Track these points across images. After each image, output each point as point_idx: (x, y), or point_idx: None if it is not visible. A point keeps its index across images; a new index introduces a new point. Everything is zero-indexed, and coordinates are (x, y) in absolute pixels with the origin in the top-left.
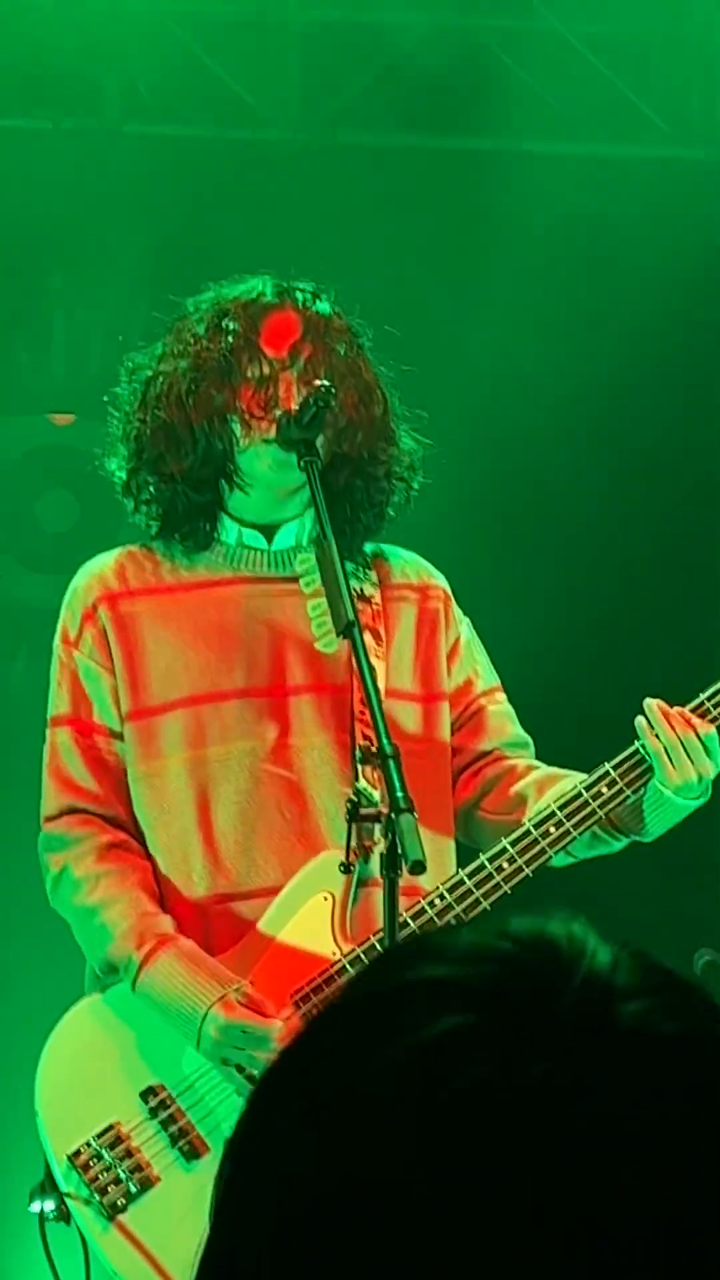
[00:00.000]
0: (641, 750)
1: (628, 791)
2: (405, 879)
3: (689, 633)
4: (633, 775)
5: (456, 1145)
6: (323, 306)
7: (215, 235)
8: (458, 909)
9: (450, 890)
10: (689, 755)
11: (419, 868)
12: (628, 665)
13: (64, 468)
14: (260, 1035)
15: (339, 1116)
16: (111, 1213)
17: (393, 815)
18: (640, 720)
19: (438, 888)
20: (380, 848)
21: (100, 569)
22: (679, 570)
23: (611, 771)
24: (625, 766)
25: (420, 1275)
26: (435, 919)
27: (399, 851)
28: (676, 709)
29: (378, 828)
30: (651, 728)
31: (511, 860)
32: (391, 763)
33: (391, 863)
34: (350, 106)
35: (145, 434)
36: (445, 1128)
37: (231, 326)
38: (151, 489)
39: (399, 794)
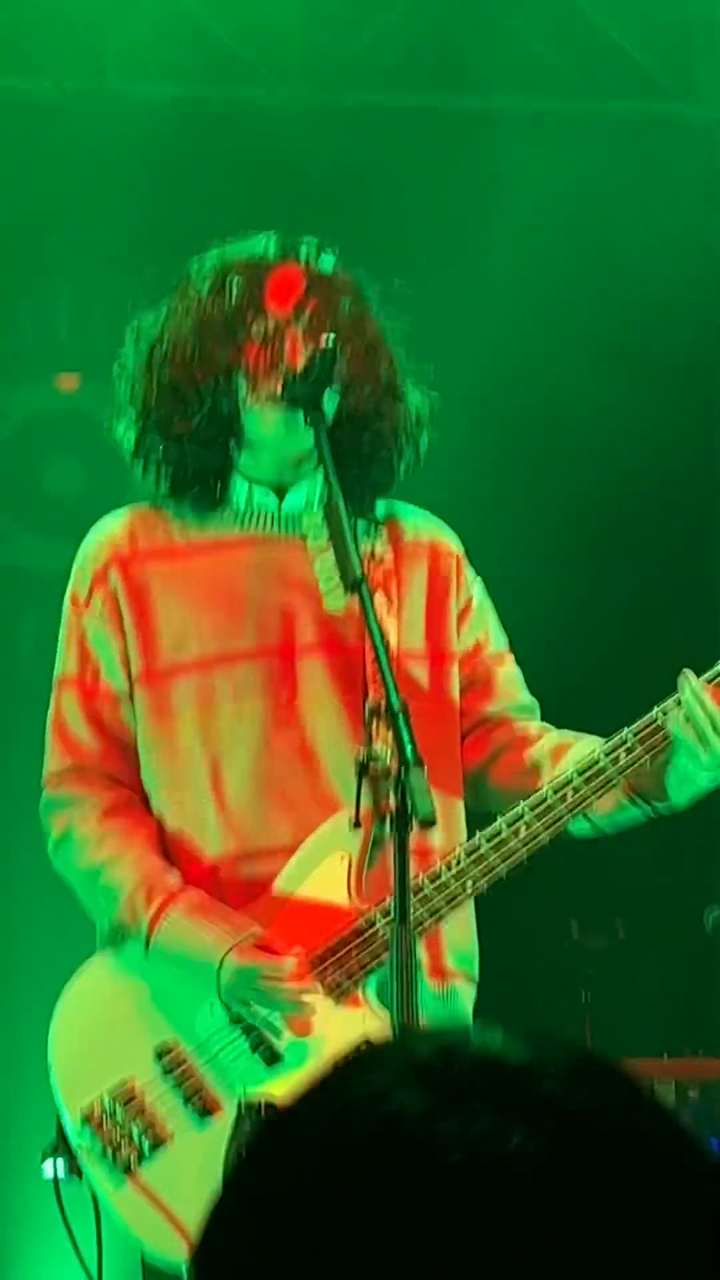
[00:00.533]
0: (661, 720)
1: (645, 758)
2: (420, 839)
3: (699, 598)
4: (651, 740)
5: (392, 1165)
6: (327, 262)
7: (217, 196)
8: (473, 872)
9: (468, 854)
10: (716, 731)
11: (429, 822)
12: (639, 629)
13: (69, 433)
14: (274, 974)
15: (290, 1186)
16: (125, 1169)
17: (402, 771)
18: (675, 702)
19: (455, 852)
20: (392, 805)
21: (111, 531)
22: (685, 536)
23: (630, 737)
24: (644, 733)
25: None
26: (451, 882)
27: (409, 807)
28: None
29: (388, 784)
30: (695, 701)
31: (529, 825)
32: (401, 718)
33: (401, 818)
34: (352, 66)
35: (151, 395)
36: (379, 1151)
37: (235, 284)
38: (160, 450)
39: (408, 749)
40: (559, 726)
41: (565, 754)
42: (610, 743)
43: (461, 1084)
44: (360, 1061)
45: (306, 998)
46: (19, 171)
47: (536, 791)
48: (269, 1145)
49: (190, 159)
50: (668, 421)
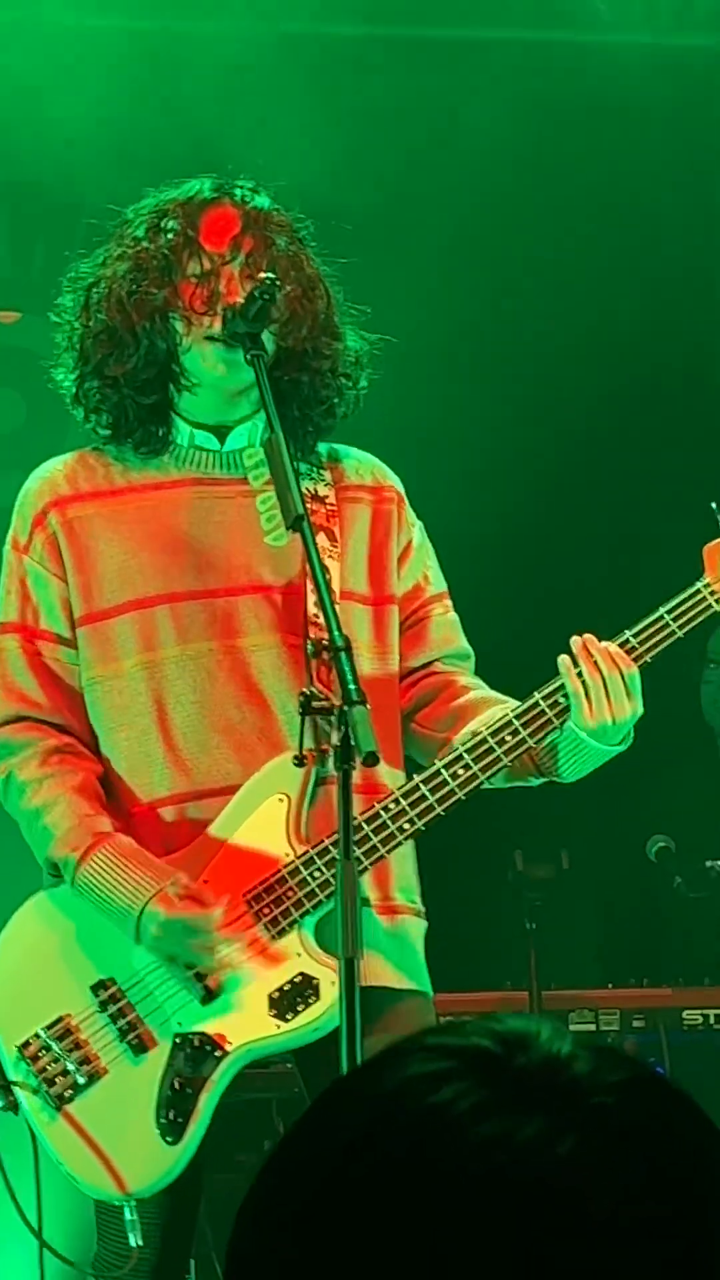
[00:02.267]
0: (542, 699)
1: (556, 723)
2: (369, 777)
3: (654, 546)
4: (561, 706)
5: (431, 1158)
6: (262, 200)
7: (167, 129)
8: (411, 814)
9: (405, 795)
10: (608, 695)
11: (372, 759)
12: (585, 580)
13: (9, 367)
14: (201, 926)
15: (333, 1158)
16: (58, 1103)
17: (345, 707)
18: (563, 658)
19: (392, 793)
20: (334, 741)
21: (50, 474)
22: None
23: (541, 702)
24: (555, 698)
25: None
26: (389, 823)
27: (352, 743)
28: (604, 644)
29: (331, 722)
30: (575, 666)
31: (467, 767)
32: (343, 655)
33: (345, 755)
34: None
35: (89, 339)
36: (420, 1140)
37: (170, 225)
38: (98, 395)
39: (351, 686)
40: (503, 678)
41: (481, 711)
42: (522, 706)
43: (518, 1082)
44: (428, 1040)
45: (237, 943)
46: None
47: (449, 745)
48: (324, 1108)
49: (139, 91)
50: (655, 355)
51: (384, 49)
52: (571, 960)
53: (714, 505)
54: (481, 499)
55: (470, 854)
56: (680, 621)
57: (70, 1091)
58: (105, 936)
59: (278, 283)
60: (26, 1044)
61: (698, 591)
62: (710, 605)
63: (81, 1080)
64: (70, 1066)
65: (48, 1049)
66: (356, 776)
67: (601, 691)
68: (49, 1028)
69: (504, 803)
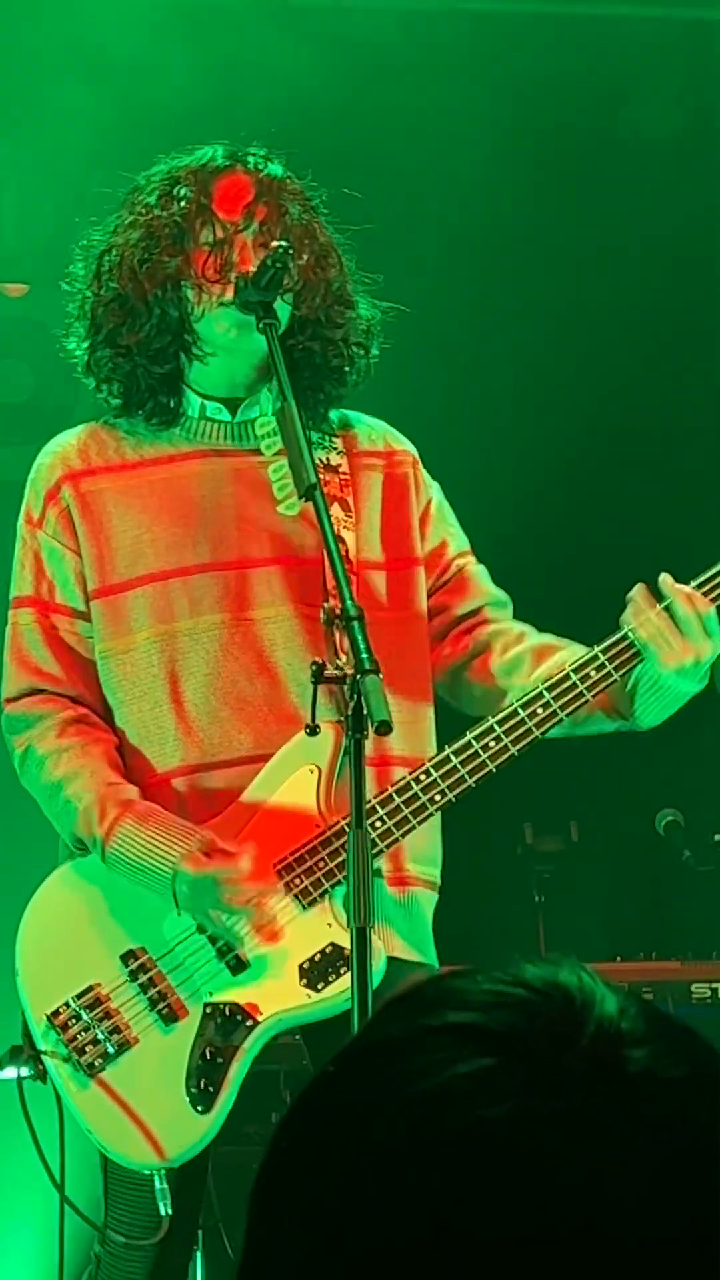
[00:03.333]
0: (631, 635)
1: (615, 676)
2: (382, 747)
3: (683, 511)
4: (621, 659)
5: (480, 1178)
6: (275, 169)
7: (175, 100)
8: (443, 785)
9: (436, 767)
10: (684, 633)
11: (384, 728)
12: (611, 534)
13: (17, 338)
14: (229, 876)
15: (368, 1154)
16: (89, 1072)
17: (357, 676)
18: (630, 609)
19: (423, 764)
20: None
21: (63, 447)
22: (675, 444)
23: (600, 655)
24: (614, 650)
25: None
26: (420, 794)
27: (364, 712)
28: (681, 585)
29: (345, 691)
30: (639, 615)
31: (498, 739)
32: (355, 624)
33: (357, 723)
34: None
35: (100, 308)
36: (471, 1161)
37: (183, 193)
38: (109, 364)
39: (364, 655)
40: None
41: (546, 659)
42: (581, 659)
43: (570, 1089)
44: (456, 1024)
45: (269, 899)
46: None
47: (514, 692)
48: (338, 1104)
49: (146, 60)
50: (661, 330)
51: (396, 20)
52: (580, 932)
53: None
54: (493, 477)
55: (480, 826)
56: (712, 595)
57: (100, 1060)
58: (134, 905)
59: (290, 251)
60: (56, 1013)
61: None
62: None
63: (112, 1049)
64: (100, 1035)
65: (78, 1018)
66: (370, 749)
67: (673, 633)
68: (79, 997)
69: (514, 775)
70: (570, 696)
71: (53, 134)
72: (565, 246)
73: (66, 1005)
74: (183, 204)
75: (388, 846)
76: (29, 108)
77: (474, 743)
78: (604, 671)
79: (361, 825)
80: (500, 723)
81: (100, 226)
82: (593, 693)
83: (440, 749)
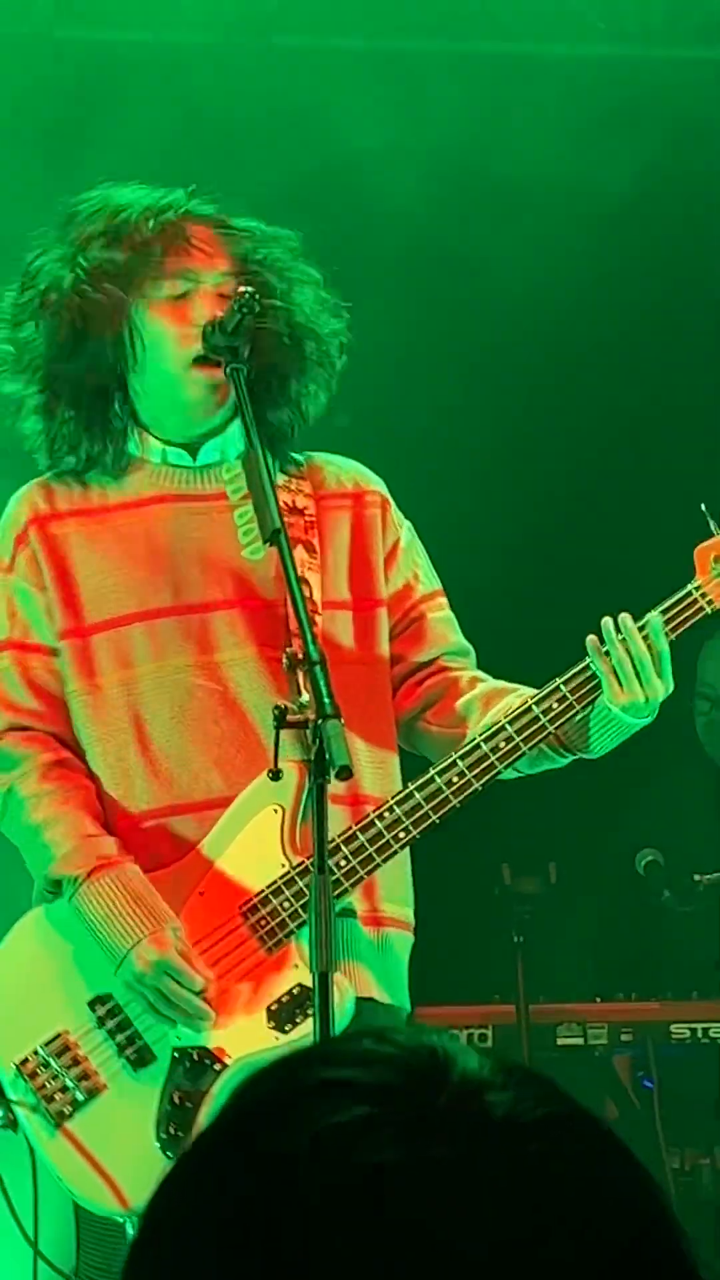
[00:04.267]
0: (593, 667)
1: (578, 708)
2: (354, 790)
3: (647, 546)
4: (583, 691)
5: (360, 1218)
6: (225, 210)
7: (149, 141)
8: (406, 822)
9: (400, 803)
10: (638, 674)
11: (345, 773)
12: (583, 576)
13: None
14: (186, 983)
15: (252, 1189)
16: (58, 1120)
17: (319, 721)
18: (591, 638)
19: (387, 801)
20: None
21: (29, 493)
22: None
23: (563, 688)
24: (576, 682)
25: None
26: (384, 831)
27: (325, 757)
28: (631, 623)
29: (307, 734)
30: (603, 645)
31: (461, 775)
32: (318, 669)
33: (319, 768)
34: (284, 7)
35: (48, 358)
36: (353, 1201)
37: (140, 241)
38: (56, 416)
39: (325, 699)
40: (501, 677)
41: (496, 702)
42: (542, 692)
43: (442, 1132)
44: (333, 1079)
45: (233, 956)
46: None
47: (466, 739)
48: (228, 1158)
49: (124, 102)
50: (655, 347)
51: (381, 62)
52: (559, 974)
53: (703, 507)
54: (482, 501)
55: (458, 866)
56: (672, 625)
57: (69, 1108)
58: (103, 953)
59: (255, 295)
60: (25, 1061)
61: (689, 594)
62: (702, 607)
63: (81, 1096)
64: (69, 1083)
65: (46, 1065)
66: (342, 788)
67: (630, 670)
68: (47, 1044)
69: (492, 815)
70: (533, 730)
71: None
72: (556, 287)
73: (35, 1053)
74: (142, 253)
75: (353, 885)
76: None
77: (437, 778)
78: (566, 703)
79: (324, 870)
80: (463, 757)
81: (37, 261)
82: (555, 725)
83: (404, 786)
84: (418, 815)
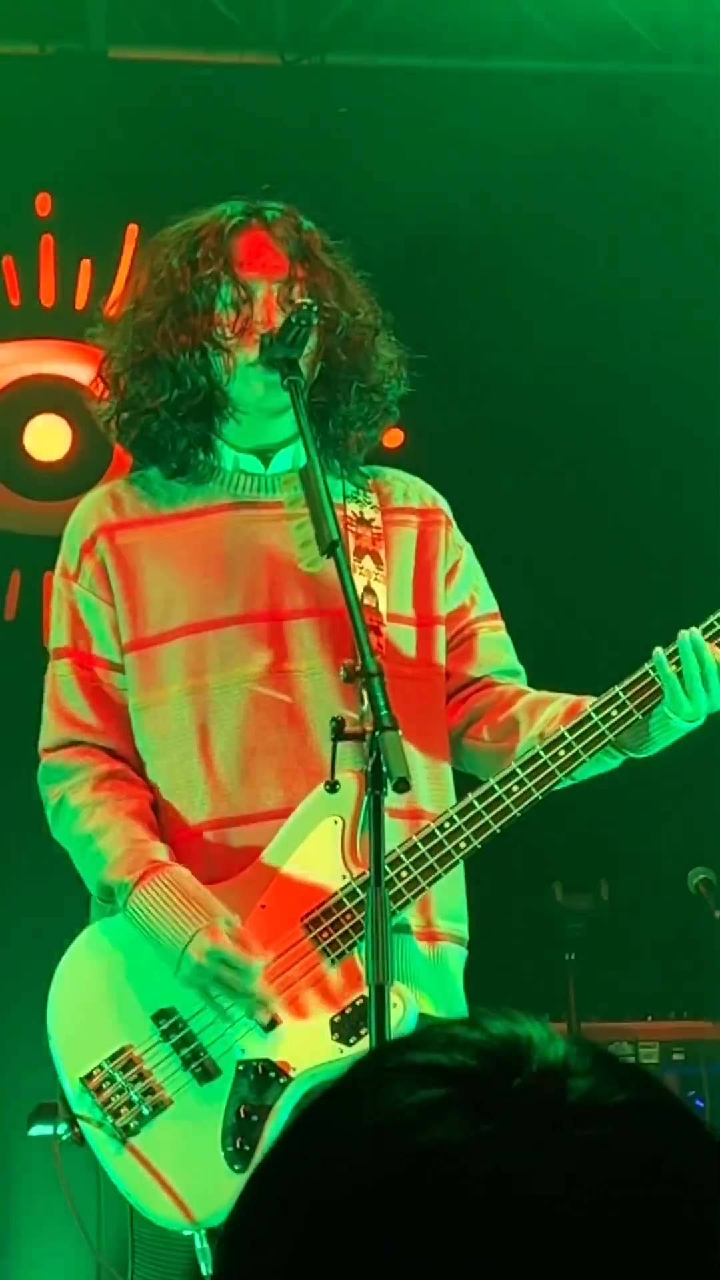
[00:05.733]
0: (656, 675)
1: (637, 715)
2: (412, 803)
3: (693, 566)
4: (642, 698)
5: (424, 1198)
6: (295, 223)
7: (202, 159)
8: (467, 832)
9: (460, 814)
10: (705, 685)
11: (403, 785)
12: (631, 596)
13: (56, 396)
14: (241, 969)
15: (326, 1188)
16: (124, 1135)
17: (376, 733)
18: (660, 649)
19: (447, 812)
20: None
21: (97, 501)
22: (683, 498)
23: (622, 695)
24: (636, 689)
25: None
26: (445, 842)
27: (383, 769)
28: (697, 632)
29: (365, 747)
30: (673, 656)
31: (521, 784)
32: (375, 681)
33: (376, 780)
34: (338, 27)
35: (126, 371)
36: (415, 1180)
37: (204, 254)
38: (138, 426)
39: (383, 712)
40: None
41: (541, 710)
42: (602, 699)
43: (514, 1114)
44: (415, 1057)
45: (297, 969)
46: (4, 135)
47: (513, 751)
48: (307, 1143)
49: (175, 122)
50: (667, 375)
51: (409, 80)
52: (611, 992)
53: None
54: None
55: (510, 884)
56: None
57: (136, 1122)
58: (163, 965)
59: (314, 308)
60: (90, 1075)
61: None
62: None
63: (146, 1111)
64: (135, 1097)
65: (111, 1080)
66: (400, 801)
67: (698, 682)
68: (112, 1059)
69: (544, 833)
70: (593, 737)
71: (89, 191)
72: (576, 294)
73: (100, 1068)
74: (203, 264)
75: (414, 896)
76: (67, 167)
77: (497, 788)
78: (625, 710)
79: (380, 884)
80: (523, 766)
81: (125, 289)
82: (615, 733)
83: (463, 796)
84: (478, 825)
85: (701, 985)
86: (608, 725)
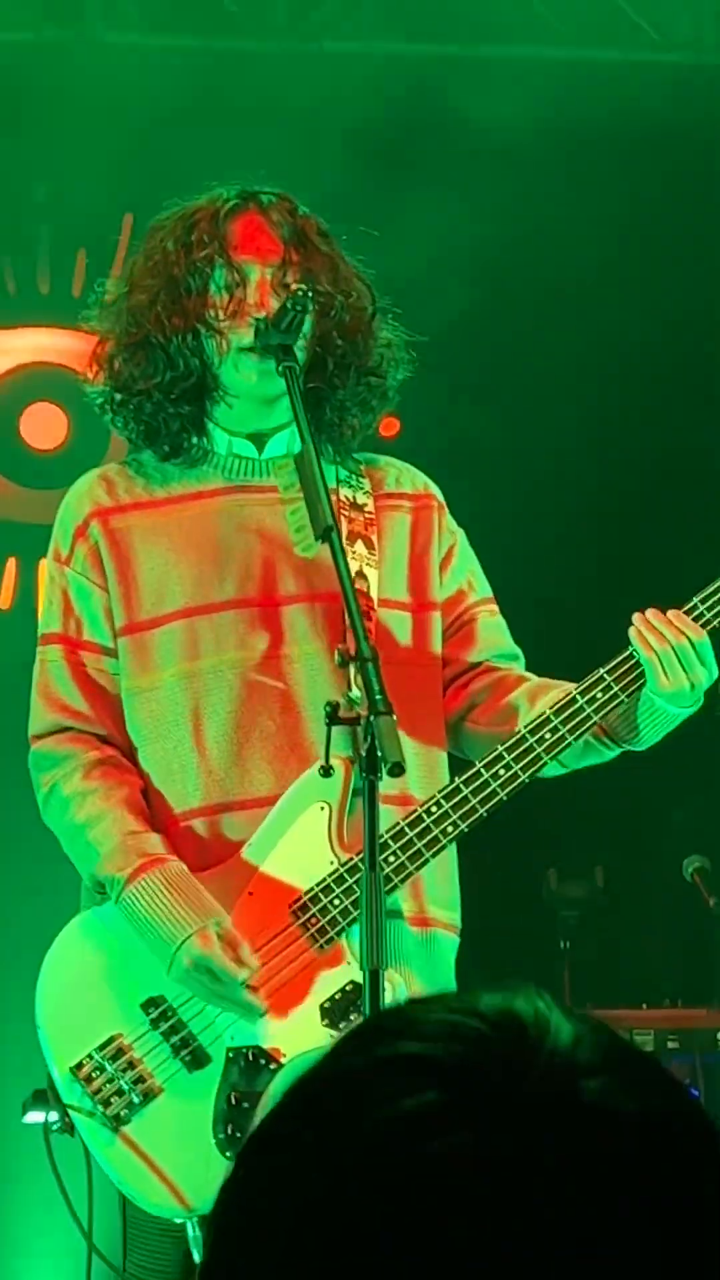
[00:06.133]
0: (635, 656)
1: (622, 696)
2: (403, 789)
3: (688, 542)
4: (627, 679)
5: (425, 1213)
6: (290, 208)
7: (199, 145)
8: (454, 816)
9: (447, 798)
10: (681, 662)
11: (397, 770)
12: (626, 574)
13: (52, 383)
14: (227, 981)
15: (317, 1186)
16: (115, 1124)
17: (371, 718)
18: (634, 628)
19: (434, 796)
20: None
21: (90, 485)
22: (678, 477)
23: (606, 676)
24: (620, 671)
25: None
26: (432, 826)
27: (377, 754)
28: (671, 612)
29: (358, 731)
30: (644, 635)
31: (508, 767)
32: (370, 665)
33: (370, 765)
34: (335, 14)
35: (121, 354)
36: (416, 1196)
37: (198, 237)
38: (131, 408)
39: (377, 696)
40: (549, 677)
41: (541, 697)
42: (586, 682)
43: (518, 1126)
44: (409, 1055)
45: (285, 955)
46: (3, 125)
47: (512, 733)
48: (297, 1137)
49: (172, 108)
50: (666, 370)
51: (411, 65)
52: (606, 979)
53: None
54: (527, 503)
55: (504, 871)
56: (712, 611)
57: (126, 1111)
58: (153, 954)
59: (309, 293)
60: (79, 1065)
61: None
62: None
63: (137, 1099)
64: (125, 1086)
65: (101, 1069)
66: (392, 787)
67: (674, 658)
68: (101, 1048)
69: (539, 820)
70: (578, 720)
71: (85, 177)
72: (589, 290)
73: (90, 1057)
74: (198, 248)
75: (402, 880)
76: (62, 153)
77: (483, 771)
78: (610, 693)
79: (375, 868)
80: (509, 749)
81: (120, 276)
82: (600, 715)
83: (450, 780)
84: (465, 809)
85: (696, 973)
86: (593, 707)
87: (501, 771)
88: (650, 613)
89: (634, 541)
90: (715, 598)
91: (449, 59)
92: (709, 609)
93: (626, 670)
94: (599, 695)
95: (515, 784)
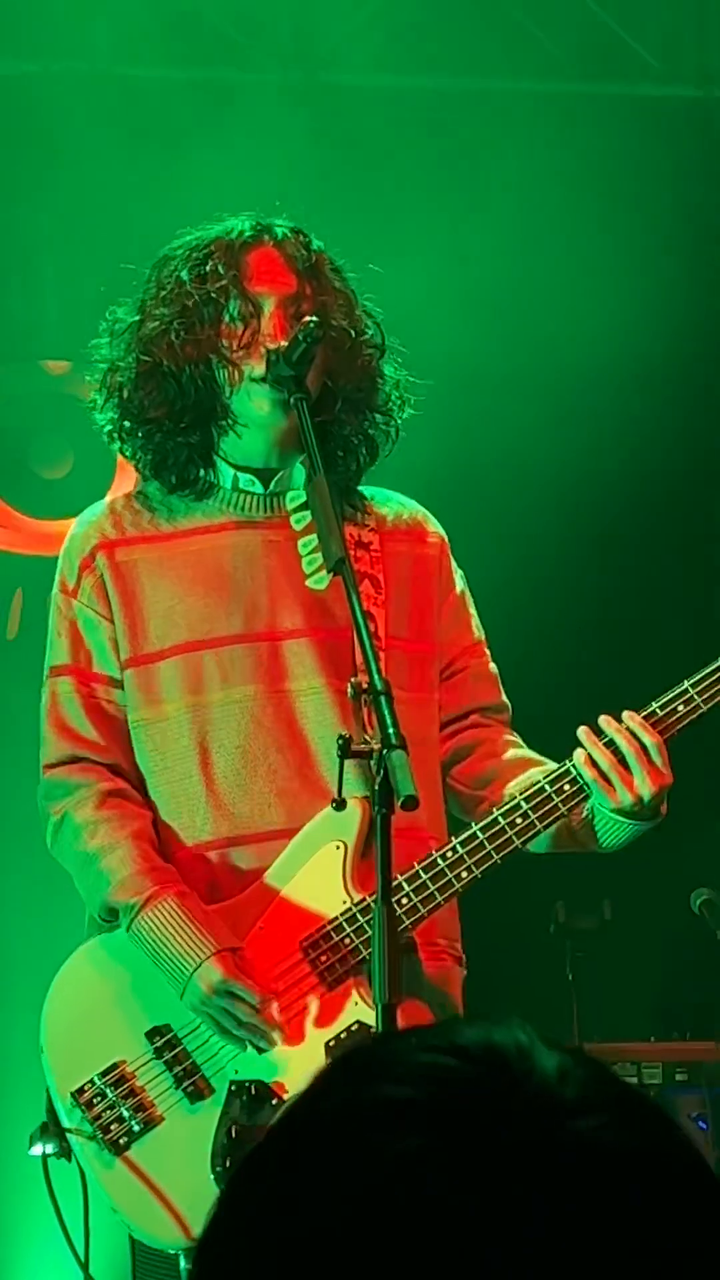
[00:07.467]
0: (574, 771)
1: (563, 810)
2: (412, 821)
3: (687, 602)
4: (566, 794)
5: (409, 1264)
6: (304, 242)
7: (206, 177)
8: (469, 861)
9: (463, 844)
10: (630, 771)
11: (411, 803)
12: (621, 627)
13: (58, 414)
14: (251, 1000)
15: (300, 1231)
16: (114, 1150)
17: (384, 751)
18: (578, 751)
19: (450, 840)
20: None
21: (97, 517)
22: (676, 547)
23: (548, 787)
24: (560, 784)
25: None
26: (446, 871)
27: (391, 788)
28: (626, 714)
29: (371, 766)
30: (588, 755)
31: (525, 816)
32: (383, 699)
33: (384, 799)
34: (342, 47)
35: (131, 383)
36: (399, 1246)
37: (213, 268)
38: (140, 437)
39: (390, 730)
40: (537, 726)
41: (518, 774)
42: (556, 771)
43: (499, 1172)
44: (391, 1100)
45: (294, 992)
46: (6, 151)
47: (489, 801)
48: (291, 1182)
49: (180, 140)
50: (671, 403)
51: (413, 99)
52: (614, 1012)
53: None
54: (512, 552)
55: (512, 904)
56: (705, 695)
57: (126, 1139)
58: (160, 982)
59: (321, 326)
60: (81, 1090)
61: (684, 690)
62: (698, 705)
63: (137, 1127)
64: (125, 1113)
65: (102, 1095)
66: (400, 821)
67: (617, 771)
68: (103, 1074)
69: (545, 854)
70: (547, 809)
71: (92, 208)
72: (596, 315)
73: (91, 1083)
74: (212, 278)
75: (414, 924)
76: (69, 184)
77: (500, 819)
78: (551, 804)
79: (388, 900)
80: (527, 799)
81: (128, 303)
82: (543, 823)
83: (467, 827)
84: (480, 855)
85: (705, 1006)
86: (537, 815)
87: (519, 820)
88: (587, 730)
89: (632, 574)
90: (672, 705)
91: (453, 91)
92: (666, 715)
93: (566, 784)
94: (566, 787)
95: (531, 834)
